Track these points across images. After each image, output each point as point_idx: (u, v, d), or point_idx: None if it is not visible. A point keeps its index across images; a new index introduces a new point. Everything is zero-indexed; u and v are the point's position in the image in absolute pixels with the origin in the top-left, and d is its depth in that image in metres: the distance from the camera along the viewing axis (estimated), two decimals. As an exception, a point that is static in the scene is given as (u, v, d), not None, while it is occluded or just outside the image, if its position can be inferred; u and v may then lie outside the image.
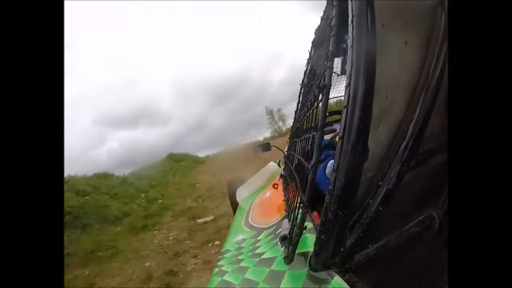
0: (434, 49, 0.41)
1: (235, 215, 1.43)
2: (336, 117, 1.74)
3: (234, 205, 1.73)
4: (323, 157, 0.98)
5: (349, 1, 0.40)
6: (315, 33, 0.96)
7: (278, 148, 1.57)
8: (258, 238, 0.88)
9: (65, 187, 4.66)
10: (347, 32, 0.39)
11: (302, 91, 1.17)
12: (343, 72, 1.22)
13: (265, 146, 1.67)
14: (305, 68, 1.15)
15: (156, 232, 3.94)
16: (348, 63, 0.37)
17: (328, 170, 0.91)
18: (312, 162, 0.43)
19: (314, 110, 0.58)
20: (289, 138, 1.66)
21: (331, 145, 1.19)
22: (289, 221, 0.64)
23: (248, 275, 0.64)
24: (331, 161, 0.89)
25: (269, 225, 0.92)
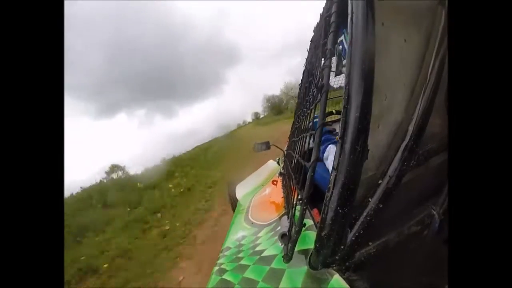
0: (433, 47, 0.41)
1: (235, 212, 1.42)
2: (336, 116, 1.74)
3: (234, 202, 1.73)
4: (322, 139, 0.95)
5: None
6: (313, 31, 0.95)
7: (277, 147, 1.57)
8: (259, 235, 0.87)
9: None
10: (345, 29, 0.39)
11: (300, 90, 1.17)
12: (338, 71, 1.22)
13: (265, 144, 1.66)
14: (303, 68, 1.14)
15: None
16: (347, 61, 0.37)
17: (325, 154, 0.89)
18: (311, 160, 0.43)
19: (313, 109, 0.57)
20: (288, 137, 1.66)
21: (330, 131, 1.17)
22: (288, 218, 0.64)
23: (248, 274, 0.64)
24: (330, 146, 0.88)
25: (269, 222, 0.91)
